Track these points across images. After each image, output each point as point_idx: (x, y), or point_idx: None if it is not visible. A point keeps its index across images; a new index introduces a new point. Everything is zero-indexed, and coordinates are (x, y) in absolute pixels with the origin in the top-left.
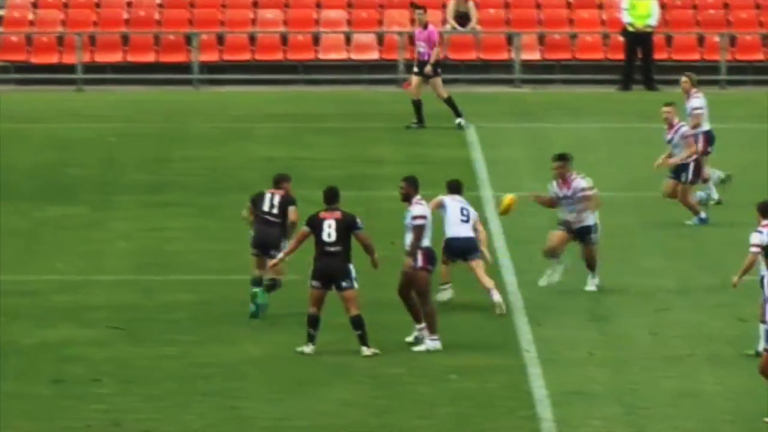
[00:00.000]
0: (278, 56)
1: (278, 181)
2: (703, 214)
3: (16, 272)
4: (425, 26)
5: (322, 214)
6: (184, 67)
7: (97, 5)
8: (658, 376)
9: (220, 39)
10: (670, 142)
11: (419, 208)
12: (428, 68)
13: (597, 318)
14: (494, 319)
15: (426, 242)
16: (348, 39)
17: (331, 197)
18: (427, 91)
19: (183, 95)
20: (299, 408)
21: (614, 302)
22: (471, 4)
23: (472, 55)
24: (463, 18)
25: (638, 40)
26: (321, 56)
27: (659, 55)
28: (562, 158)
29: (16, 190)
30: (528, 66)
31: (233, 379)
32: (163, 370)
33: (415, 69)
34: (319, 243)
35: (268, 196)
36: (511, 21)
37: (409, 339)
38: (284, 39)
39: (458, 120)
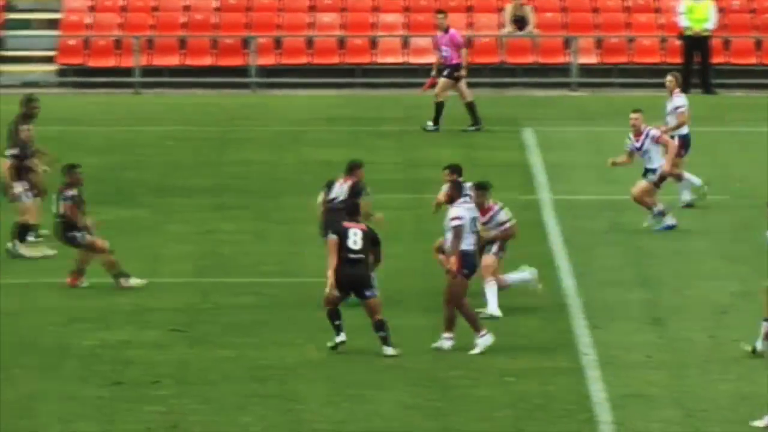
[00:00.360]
0: (335, 60)
1: (351, 168)
2: (670, 221)
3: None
4: (446, 30)
5: (346, 224)
6: (242, 71)
7: (155, 9)
8: (716, 379)
9: (278, 42)
10: (640, 149)
11: (456, 210)
12: (462, 71)
13: (655, 321)
14: (552, 321)
15: (464, 245)
16: (405, 42)
17: (353, 211)
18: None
19: (240, 99)
20: (357, 411)
21: (672, 305)
22: (529, 7)
23: (529, 59)
24: (520, 22)
25: (696, 44)
26: (378, 60)
27: (717, 59)
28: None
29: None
30: (585, 70)
31: (292, 381)
32: (222, 373)
33: (433, 72)
34: (344, 250)
35: (338, 183)
36: (569, 25)
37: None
38: (341, 42)
39: (475, 127)
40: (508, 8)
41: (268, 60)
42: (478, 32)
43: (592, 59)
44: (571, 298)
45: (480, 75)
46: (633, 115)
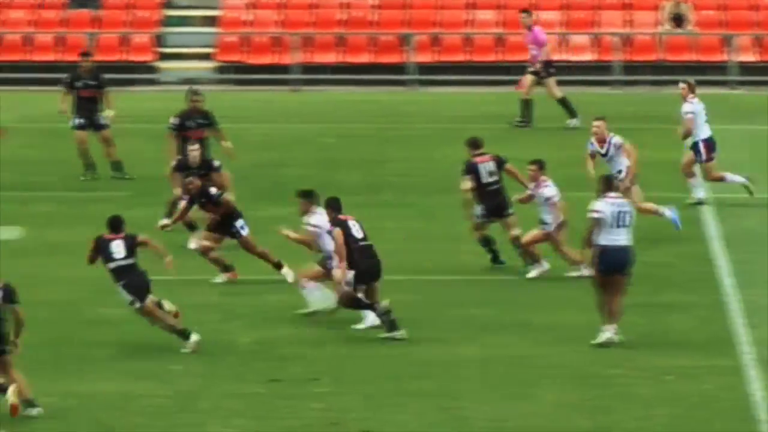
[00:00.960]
0: (493, 57)
1: (476, 145)
2: (668, 211)
3: (238, 271)
4: (529, 28)
5: (342, 217)
6: (399, 68)
7: (314, 6)
8: None
9: (436, 40)
10: (605, 155)
11: (597, 203)
12: (538, 67)
13: None
14: (709, 320)
15: (602, 240)
16: (563, 40)
17: (337, 205)
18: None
19: (397, 96)
20: (514, 409)
21: None
22: (687, 5)
23: (687, 57)
24: (678, 19)
25: None
26: None
27: None
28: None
29: (235, 189)
30: (744, 67)
31: (449, 379)
32: (380, 370)
33: (530, 70)
34: (354, 241)
35: (481, 166)
36: (727, 22)
37: None
38: (499, 40)
39: (572, 121)
40: (666, 6)
41: (426, 57)
42: (637, 30)
43: (750, 57)
44: (730, 296)
45: (638, 73)
46: (595, 123)
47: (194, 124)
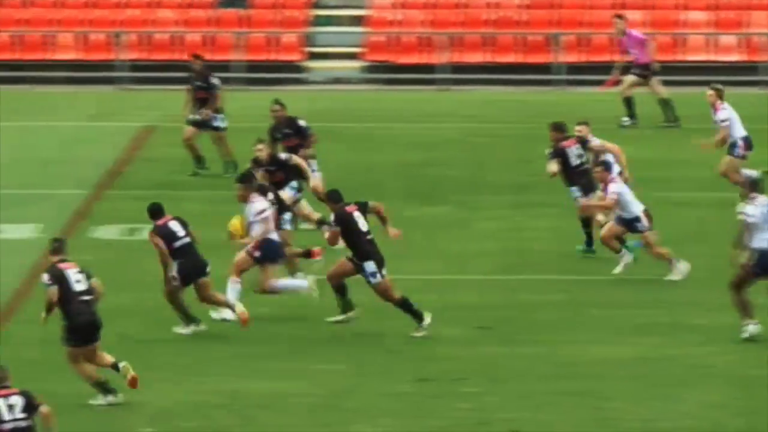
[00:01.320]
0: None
1: (561, 129)
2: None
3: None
4: (624, 33)
5: (348, 209)
6: (546, 68)
7: (462, 6)
8: None
9: (584, 40)
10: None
11: (746, 206)
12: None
13: None
14: None
15: (758, 243)
16: (711, 40)
17: (339, 197)
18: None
19: (545, 96)
20: (665, 409)
21: None
22: None
23: None
24: None
25: None
26: (683, 57)
27: None
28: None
29: (384, 189)
30: None
31: (598, 379)
32: (529, 370)
33: (615, 72)
34: (359, 234)
35: (569, 150)
36: None
37: None
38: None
39: (671, 123)
40: None
41: (574, 57)
42: None
43: None
44: None
45: None
46: (577, 128)
47: (280, 135)
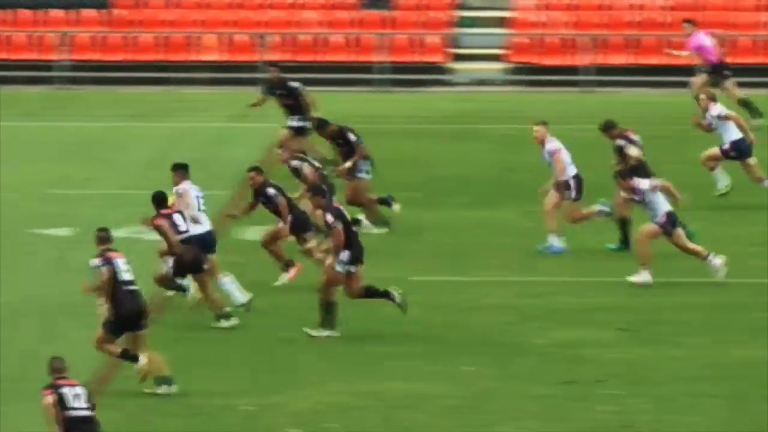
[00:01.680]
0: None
1: (612, 127)
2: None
3: (525, 273)
4: (690, 36)
5: (336, 205)
6: (689, 70)
7: (605, 8)
8: None
9: (728, 41)
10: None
11: None
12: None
13: None
14: None
15: None
16: None
17: (325, 192)
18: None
19: (687, 98)
20: None
21: None
22: None
23: None
24: None
25: None
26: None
27: None
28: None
29: (524, 190)
30: None
31: (742, 381)
32: (672, 372)
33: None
34: (349, 227)
35: (615, 143)
36: None
37: None
38: None
39: (755, 121)
40: None
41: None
42: None
43: None
44: None
45: None
46: (535, 128)
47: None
